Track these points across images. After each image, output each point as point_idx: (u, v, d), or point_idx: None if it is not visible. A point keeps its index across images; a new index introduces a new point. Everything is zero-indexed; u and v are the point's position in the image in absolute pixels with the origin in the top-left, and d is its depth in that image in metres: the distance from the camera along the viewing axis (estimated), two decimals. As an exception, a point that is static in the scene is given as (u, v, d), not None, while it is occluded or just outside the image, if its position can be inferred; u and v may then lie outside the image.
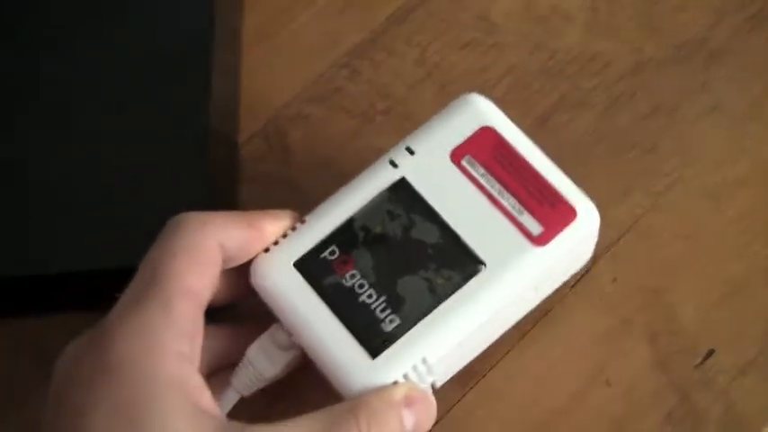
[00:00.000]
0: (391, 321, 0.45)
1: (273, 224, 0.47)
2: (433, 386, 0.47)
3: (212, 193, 0.53)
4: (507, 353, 0.51)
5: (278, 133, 0.59)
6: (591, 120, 0.56)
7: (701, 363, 0.50)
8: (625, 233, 0.53)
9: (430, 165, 0.48)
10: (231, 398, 0.48)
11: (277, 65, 0.61)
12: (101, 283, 0.53)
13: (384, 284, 0.46)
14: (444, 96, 0.58)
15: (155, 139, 0.54)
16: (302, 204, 0.56)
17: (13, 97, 0.57)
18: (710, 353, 0.51)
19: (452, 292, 0.45)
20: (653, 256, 0.53)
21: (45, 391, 0.43)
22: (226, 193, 0.57)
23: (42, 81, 0.57)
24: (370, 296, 0.46)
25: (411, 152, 0.49)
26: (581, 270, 0.51)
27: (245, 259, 0.47)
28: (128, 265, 0.52)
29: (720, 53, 0.58)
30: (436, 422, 0.50)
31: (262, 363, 0.47)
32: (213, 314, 0.46)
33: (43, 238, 0.53)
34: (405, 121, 0.58)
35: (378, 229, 0.47)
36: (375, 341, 0.45)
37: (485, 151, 0.48)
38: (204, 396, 0.42)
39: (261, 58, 0.61)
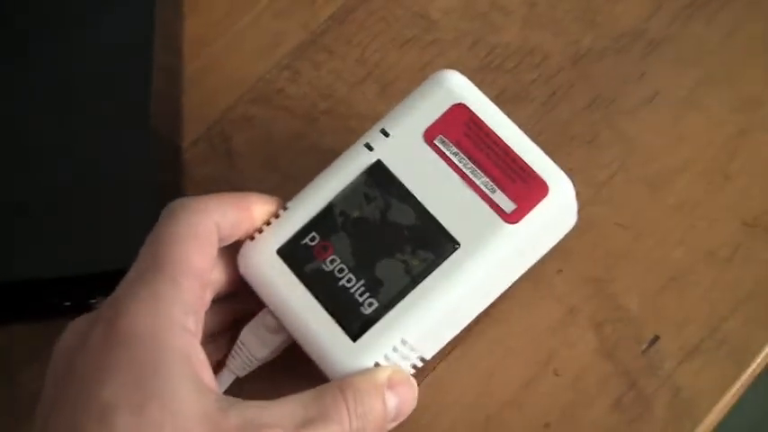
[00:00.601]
0: (370, 305, 0.46)
1: (261, 207, 0.49)
2: (422, 359, 0.48)
3: (157, 197, 0.53)
4: (455, 347, 0.52)
5: (222, 136, 0.59)
6: (531, 112, 0.57)
7: (647, 349, 0.51)
8: (568, 224, 0.54)
9: (404, 146, 0.49)
10: (227, 378, 0.50)
11: (219, 68, 0.61)
12: (52, 290, 0.53)
13: (362, 268, 0.47)
14: (386, 95, 0.58)
15: (97, 143, 0.54)
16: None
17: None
18: (656, 339, 0.51)
19: (428, 274, 0.47)
20: (596, 246, 0.53)
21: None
22: (170, 197, 0.56)
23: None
24: (349, 280, 0.47)
25: (386, 134, 0.49)
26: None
27: (235, 239, 0.49)
28: (68, 272, 0.52)
29: (659, 42, 0.58)
30: (387, 419, 0.50)
31: (254, 345, 0.49)
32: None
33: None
34: (348, 120, 0.58)
35: (356, 214, 0.48)
36: (355, 324, 0.46)
37: (457, 129, 0.49)
38: (206, 371, 0.44)
39: (203, 61, 0.62)
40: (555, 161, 0.48)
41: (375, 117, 0.51)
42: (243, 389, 0.50)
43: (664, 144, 0.55)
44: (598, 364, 0.51)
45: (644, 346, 0.51)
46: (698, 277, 0.52)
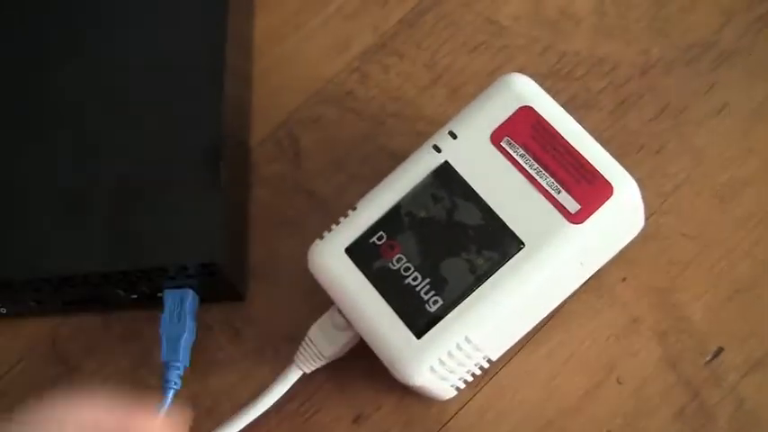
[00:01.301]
0: (435, 302, 0.47)
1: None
2: (488, 360, 0.49)
3: (225, 195, 0.54)
4: (517, 352, 0.52)
5: (289, 136, 0.59)
6: (599, 121, 0.57)
7: (711, 360, 0.51)
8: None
9: (471, 147, 0.49)
10: (294, 374, 0.51)
11: (288, 69, 0.62)
12: (119, 283, 0.54)
13: (428, 267, 0.48)
14: (455, 99, 0.59)
15: (169, 142, 0.55)
16: (314, 206, 0.57)
17: (32, 100, 0.58)
18: (720, 351, 0.51)
19: (492, 272, 0.47)
20: (661, 255, 0.53)
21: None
22: (239, 195, 0.57)
23: (57, 85, 0.57)
24: (415, 278, 0.48)
25: (453, 136, 0.50)
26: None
27: None
28: (143, 266, 0.53)
29: (729, 54, 0.58)
30: (449, 420, 0.51)
31: (321, 342, 0.51)
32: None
33: (63, 240, 0.53)
34: (415, 123, 0.58)
35: (422, 214, 0.49)
36: (420, 322, 0.47)
37: (524, 131, 0.49)
38: None
39: (272, 62, 0.62)
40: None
41: (443, 121, 0.51)
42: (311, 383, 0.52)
43: (732, 156, 0.55)
44: (661, 373, 0.51)
45: (708, 358, 0.51)
46: (763, 291, 0.52)
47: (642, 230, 0.51)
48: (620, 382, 0.51)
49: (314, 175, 0.58)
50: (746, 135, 0.56)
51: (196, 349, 0.54)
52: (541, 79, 0.57)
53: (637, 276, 0.53)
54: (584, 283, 0.51)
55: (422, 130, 0.56)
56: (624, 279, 0.53)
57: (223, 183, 0.54)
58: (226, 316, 0.56)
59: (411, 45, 0.61)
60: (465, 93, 0.59)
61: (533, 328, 0.51)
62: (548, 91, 0.50)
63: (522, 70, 0.53)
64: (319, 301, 0.51)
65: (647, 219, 0.52)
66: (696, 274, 0.53)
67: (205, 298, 0.54)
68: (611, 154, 0.48)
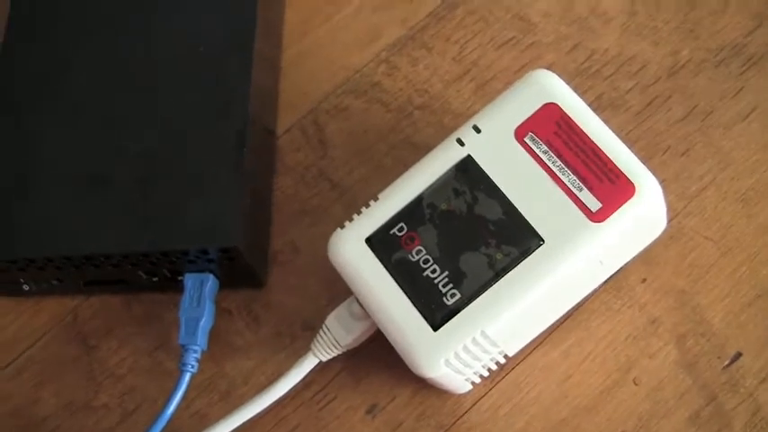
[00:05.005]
0: (452, 296, 0.47)
1: None
2: (505, 356, 0.48)
3: (248, 181, 0.54)
4: (534, 349, 0.52)
5: (315, 125, 0.60)
6: (626, 121, 0.57)
7: (729, 365, 0.51)
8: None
9: (495, 142, 0.49)
10: (310, 362, 0.52)
11: (316, 58, 0.62)
12: (141, 265, 0.54)
13: (447, 260, 0.48)
14: (481, 94, 0.58)
15: (196, 126, 0.55)
16: (337, 196, 0.57)
17: (57, 81, 0.58)
18: (738, 355, 0.51)
19: (511, 268, 0.47)
20: (683, 258, 0.53)
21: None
22: (262, 182, 0.57)
23: (83, 66, 0.58)
24: (433, 271, 0.48)
25: (477, 130, 0.50)
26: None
27: None
28: (164, 248, 0.53)
29: (758, 58, 0.58)
30: (463, 414, 0.51)
31: (338, 331, 0.51)
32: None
33: (86, 220, 0.54)
34: (441, 116, 0.58)
35: (443, 206, 0.49)
36: (437, 314, 0.47)
37: (547, 128, 0.49)
38: None
39: (301, 51, 0.62)
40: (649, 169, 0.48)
41: (469, 115, 0.51)
42: (328, 372, 0.52)
43: (759, 160, 0.55)
44: (678, 376, 0.51)
45: (726, 362, 0.51)
46: (785, 297, 0.52)
47: (665, 232, 0.51)
48: (636, 384, 0.51)
49: (338, 164, 0.58)
50: (773, 140, 0.55)
51: (214, 334, 0.54)
52: (569, 77, 0.57)
53: (657, 278, 0.53)
54: (604, 283, 0.51)
55: (447, 124, 0.57)
56: (644, 280, 0.53)
57: (247, 169, 0.54)
58: (245, 301, 0.56)
59: (440, 38, 0.61)
60: (492, 88, 0.59)
61: (551, 326, 0.51)
62: (575, 89, 0.50)
63: (550, 67, 0.53)
64: (339, 290, 0.51)
65: (670, 220, 0.51)
66: (717, 277, 0.53)
67: (225, 283, 0.55)
68: (636, 154, 0.48)
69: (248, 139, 0.54)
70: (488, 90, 0.59)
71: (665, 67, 0.58)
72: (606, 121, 0.49)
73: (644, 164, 0.48)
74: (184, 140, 0.55)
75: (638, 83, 0.58)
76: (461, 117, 0.51)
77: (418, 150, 0.52)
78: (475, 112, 0.51)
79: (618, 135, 0.49)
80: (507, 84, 0.52)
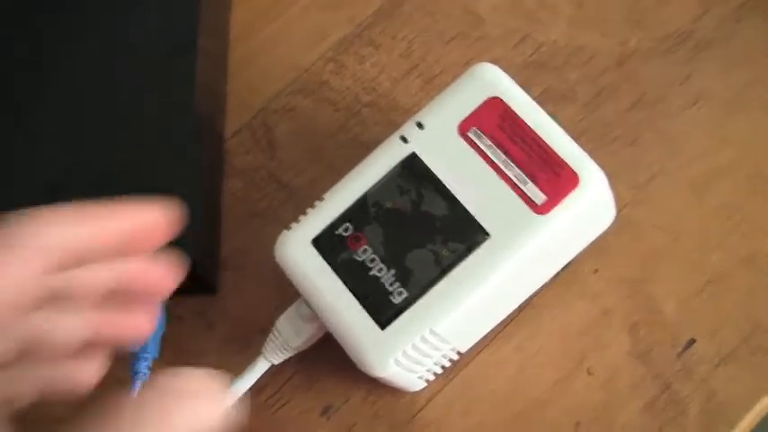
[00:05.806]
0: (399, 294, 0.47)
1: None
2: (458, 352, 0.49)
3: (199, 184, 0.54)
4: (487, 344, 0.52)
5: (264, 126, 0.59)
6: (575, 112, 0.57)
7: (682, 352, 0.51)
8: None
9: (439, 138, 0.49)
10: (262, 366, 0.52)
11: (263, 58, 0.61)
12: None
13: (394, 258, 0.48)
14: (429, 90, 0.58)
15: (142, 129, 0.55)
16: (286, 197, 0.57)
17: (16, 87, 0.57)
18: (691, 342, 0.51)
19: (457, 264, 0.47)
20: (634, 247, 0.53)
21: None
22: (212, 184, 0.57)
23: (31, 75, 0.57)
24: (380, 270, 0.48)
25: (421, 127, 0.50)
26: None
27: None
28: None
29: (706, 44, 0.58)
30: (418, 412, 0.51)
31: (288, 333, 0.51)
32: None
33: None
34: (390, 113, 0.58)
35: (389, 205, 0.49)
36: (384, 313, 0.47)
37: (491, 122, 0.49)
38: None
39: (248, 49, 0.62)
40: (595, 160, 0.48)
41: (417, 111, 0.51)
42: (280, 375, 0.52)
43: (707, 146, 0.55)
44: (632, 365, 0.51)
45: (679, 350, 0.51)
46: (736, 282, 0.52)
47: (615, 222, 0.51)
48: (590, 374, 0.51)
49: (288, 165, 0.58)
50: (722, 126, 0.55)
51: (167, 340, 0.53)
52: (517, 70, 0.57)
53: (609, 268, 0.53)
54: (556, 275, 0.51)
55: (396, 121, 0.56)
56: (596, 271, 0.53)
57: (194, 173, 0.53)
58: (197, 307, 0.55)
59: (387, 35, 0.61)
60: (440, 83, 0.58)
61: (504, 320, 0.51)
62: (524, 82, 0.50)
63: (498, 61, 0.53)
64: (291, 292, 0.51)
65: (620, 210, 0.51)
66: (669, 265, 0.52)
67: (175, 290, 0.54)
68: (585, 145, 0.48)
69: (196, 142, 0.54)
70: (436, 86, 0.58)
71: (614, 56, 0.58)
72: (555, 113, 0.49)
73: (589, 155, 0.48)
74: (133, 146, 0.54)
75: (586, 74, 0.58)
76: (410, 114, 0.51)
77: (367, 149, 0.51)
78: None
79: (565, 127, 0.49)
80: (456, 79, 0.52)
